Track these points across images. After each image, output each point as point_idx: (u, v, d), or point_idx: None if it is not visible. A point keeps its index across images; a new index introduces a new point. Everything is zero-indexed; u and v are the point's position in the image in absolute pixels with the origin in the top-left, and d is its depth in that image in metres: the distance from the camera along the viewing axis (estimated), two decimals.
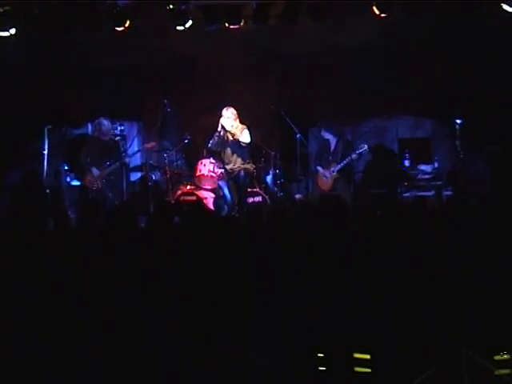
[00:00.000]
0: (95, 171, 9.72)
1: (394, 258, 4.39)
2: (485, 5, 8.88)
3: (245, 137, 9.68)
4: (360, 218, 5.47)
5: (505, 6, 8.74)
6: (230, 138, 9.71)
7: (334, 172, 9.84)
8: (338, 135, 10.05)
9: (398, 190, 10.37)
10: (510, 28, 9.30)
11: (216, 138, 9.73)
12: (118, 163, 9.77)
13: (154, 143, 10.35)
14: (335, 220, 5.18)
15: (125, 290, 4.25)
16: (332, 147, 10.05)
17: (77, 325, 4.08)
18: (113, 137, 10.24)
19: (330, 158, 9.98)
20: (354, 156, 9.73)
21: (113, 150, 9.97)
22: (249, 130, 9.81)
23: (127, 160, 10.13)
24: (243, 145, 9.70)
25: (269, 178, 10.57)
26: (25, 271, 4.48)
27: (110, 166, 9.76)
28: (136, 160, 11.24)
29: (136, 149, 10.79)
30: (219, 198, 10.22)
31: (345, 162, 9.80)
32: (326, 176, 9.92)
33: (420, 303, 4.04)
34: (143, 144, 10.56)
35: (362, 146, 9.76)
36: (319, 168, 10.03)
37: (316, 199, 9.93)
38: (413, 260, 4.34)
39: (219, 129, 9.62)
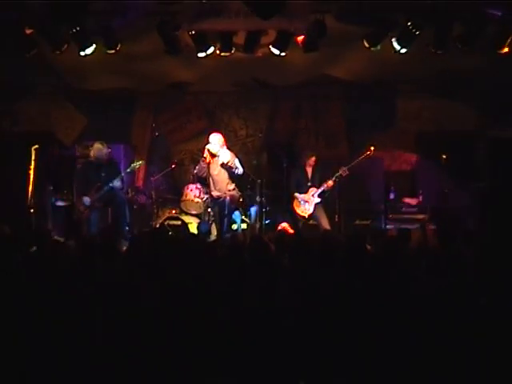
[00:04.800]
0: (86, 200, 9.60)
1: (383, 295, 4.37)
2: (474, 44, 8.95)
3: (238, 168, 9.63)
4: (347, 250, 5.46)
5: (491, 47, 8.84)
6: (217, 163, 9.66)
7: (313, 198, 9.92)
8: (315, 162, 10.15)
9: (383, 223, 10.41)
10: (498, 65, 9.41)
11: (202, 163, 9.69)
12: (106, 187, 9.62)
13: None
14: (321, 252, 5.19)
15: (103, 316, 4.22)
16: (309, 174, 10.13)
17: (53, 350, 4.03)
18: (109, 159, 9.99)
19: (309, 184, 10.05)
20: (330, 182, 9.84)
21: (112, 171, 9.81)
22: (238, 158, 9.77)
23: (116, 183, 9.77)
24: (237, 176, 9.65)
25: (253, 210, 10.60)
26: (6, 290, 4.44)
27: (100, 190, 9.62)
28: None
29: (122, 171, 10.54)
30: (204, 223, 10.19)
31: (324, 186, 9.90)
32: (305, 202, 9.97)
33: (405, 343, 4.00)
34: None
35: (340, 169, 9.87)
36: (297, 194, 10.08)
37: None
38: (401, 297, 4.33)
39: (205, 154, 9.58)
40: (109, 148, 9.90)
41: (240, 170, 9.63)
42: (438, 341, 3.95)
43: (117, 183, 9.63)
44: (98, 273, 4.83)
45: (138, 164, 9.94)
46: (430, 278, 4.81)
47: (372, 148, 10.03)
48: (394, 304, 4.27)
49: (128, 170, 9.93)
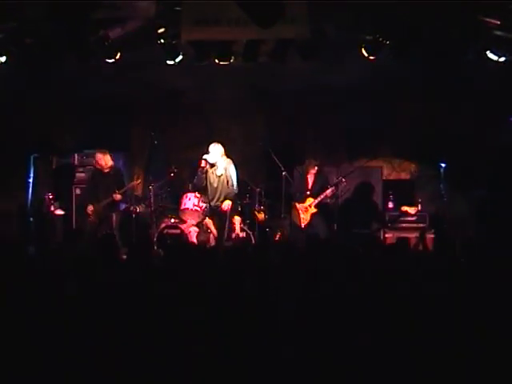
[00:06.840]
0: (89, 207, 9.64)
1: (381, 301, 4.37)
2: (471, 52, 9.01)
3: (234, 186, 9.62)
4: (343, 257, 5.47)
5: (490, 54, 8.90)
6: (216, 173, 9.64)
7: (310, 208, 9.93)
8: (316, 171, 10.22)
9: (381, 231, 10.42)
10: (495, 72, 9.45)
11: (200, 174, 9.64)
12: (111, 198, 9.64)
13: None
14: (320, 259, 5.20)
15: (101, 322, 4.21)
16: (310, 183, 10.17)
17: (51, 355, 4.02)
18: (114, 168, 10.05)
19: (308, 193, 10.08)
20: (328, 192, 9.92)
21: (116, 182, 9.87)
22: (235, 166, 9.73)
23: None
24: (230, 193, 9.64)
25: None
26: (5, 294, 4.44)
27: (108, 198, 9.65)
28: None
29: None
30: (204, 232, 10.17)
31: (321, 197, 9.96)
32: (303, 212, 9.99)
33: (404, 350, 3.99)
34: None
35: (339, 180, 10.00)
36: (295, 204, 10.13)
37: (297, 237, 9.97)
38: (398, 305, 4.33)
39: (202, 165, 9.54)
40: (111, 156, 9.94)
41: (234, 189, 9.61)
42: (437, 345, 3.96)
43: (119, 195, 9.68)
44: (98, 279, 4.83)
45: (132, 184, 10.07)
46: (429, 284, 4.82)
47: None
48: (390, 310, 4.27)
49: (125, 188, 9.95)
